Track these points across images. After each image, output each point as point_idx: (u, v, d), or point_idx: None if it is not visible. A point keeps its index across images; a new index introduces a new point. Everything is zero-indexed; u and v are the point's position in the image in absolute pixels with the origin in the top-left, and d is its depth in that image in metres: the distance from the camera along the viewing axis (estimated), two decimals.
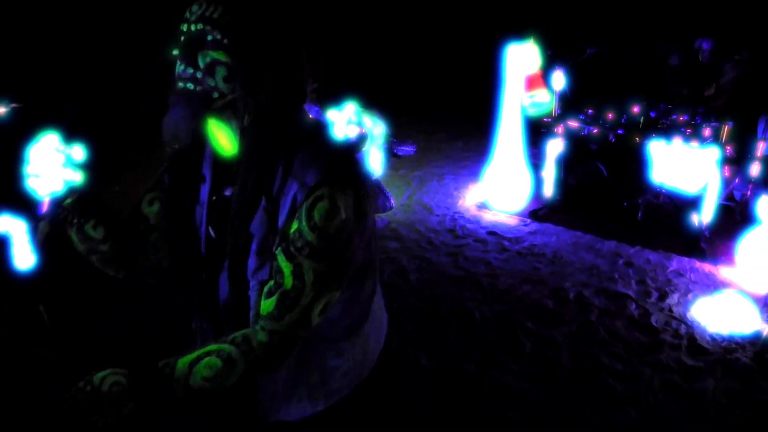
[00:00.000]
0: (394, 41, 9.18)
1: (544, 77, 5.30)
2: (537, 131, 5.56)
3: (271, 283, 1.42)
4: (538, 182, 5.56)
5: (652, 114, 5.08)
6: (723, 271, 4.56)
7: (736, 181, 5.30)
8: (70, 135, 1.48)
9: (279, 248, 1.42)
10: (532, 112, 5.42)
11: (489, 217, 5.48)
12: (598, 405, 3.26)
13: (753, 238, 4.45)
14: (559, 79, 5.27)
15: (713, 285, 4.39)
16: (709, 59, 5.47)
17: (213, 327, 1.60)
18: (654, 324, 3.95)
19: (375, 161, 5.52)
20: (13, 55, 8.77)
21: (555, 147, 5.40)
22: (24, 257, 1.45)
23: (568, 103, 5.40)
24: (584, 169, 5.55)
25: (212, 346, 1.40)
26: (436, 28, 9.24)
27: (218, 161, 1.50)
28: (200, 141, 1.44)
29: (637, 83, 5.55)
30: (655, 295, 4.28)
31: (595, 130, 5.44)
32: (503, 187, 5.53)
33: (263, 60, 1.39)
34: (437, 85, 8.69)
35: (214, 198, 1.53)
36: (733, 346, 3.71)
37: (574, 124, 5.43)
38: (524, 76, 5.28)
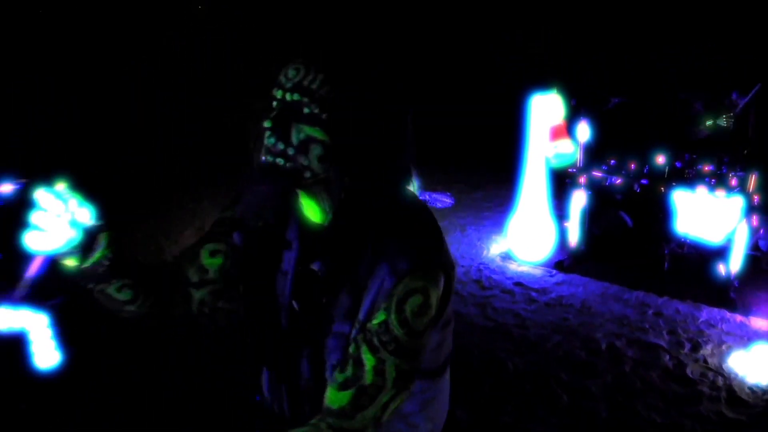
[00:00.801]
0: (417, 92, 9.34)
1: (568, 128, 5.40)
2: (561, 182, 5.64)
3: (348, 374, 1.30)
4: (563, 233, 5.62)
5: (677, 164, 5.17)
6: (755, 322, 4.57)
7: (761, 231, 5.36)
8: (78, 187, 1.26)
9: (361, 337, 1.31)
10: (556, 162, 5.51)
11: (514, 268, 5.51)
12: None
13: None
14: (583, 130, 5.38)
15: (747, 336, 4.40)
16: (740, 112, 5.54)
17: (290, 403, 1.53)
18: (690, 375, 3.95)
19: None
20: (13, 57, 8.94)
21: (579, 198, 5.48)
22: (45, 355, 1.28)
23: (593, 154, 5.49)
24: (608, 220, 5.63)
25: None
26: (459, 77, 9.41)
27: (306, 231, 1.42)
28: (286, 212, 1.40)
29: (661, 133, 5.65)
30: (687, 346, 4.28)
31: (619, 181, 5.52)
32: (528, 238, 5.58)
33: (365, 138, 1.30)
34: (454, 136, 8.84)
35: (300, 269, 1.44)
36: None
37: (597, 174, 5.53)
38: (548, 127, 5.39)
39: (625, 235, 5.46)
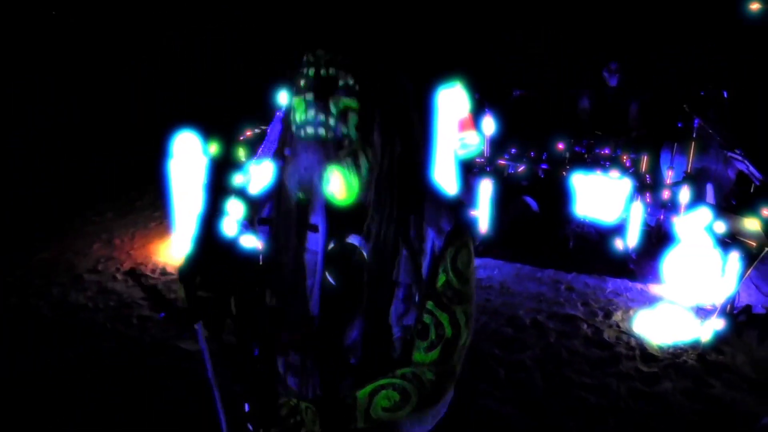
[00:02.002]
0: None
1: (473, 120, 5.82)
2: (469, 172, 6.05)
3: (433, 337, 1.52)
4: (473, 221, 6.04)
5: (577, 149, 5.72)
6: (654, 288, 5.18)
7: (649, 207, 6.02)
8: None
9: (431, 302, 1.51)
10: (463, 153, 5.91)
11: None
12: (578, 417, 3.67)
13: (675, 256, 5.09)
14: (488, 122, 5.82)
15: (648, 301, 4.99)
16: (616, 86, 6.14)
17: (322, 369, 1.64)
18: (607, 339, 4.45)
19: None
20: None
21: (486, 186, 5.91)
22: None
23: (498, 144, 5.95)
24: (515, 205, 6.11)
25: (385, 380, 1.51)
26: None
27: (332, 210, 1.52)
28: (313, 193, 1.47)
29: (562, 122, 6.20)
30: (600, 314, 4.81)
31: (522, 167, 6.01)
32: None
33: (397, 107, 1.44)
34: None
35: (331, 246, 1.55)
36: (679, 351, 4.27)
37: (502, 162, 5.99)
38: (455, 119, 5.78)
39: (532, 219, 5.96)
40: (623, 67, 6.06)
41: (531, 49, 7.15)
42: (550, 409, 3.74)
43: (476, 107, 5.84)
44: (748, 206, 4.51)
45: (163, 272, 5.42)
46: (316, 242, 1.55)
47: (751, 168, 4.52)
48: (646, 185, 5.69)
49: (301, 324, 1.60)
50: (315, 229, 1.55)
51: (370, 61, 1.43)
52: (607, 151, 5.65)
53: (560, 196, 5.78)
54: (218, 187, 1.38)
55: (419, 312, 1.53)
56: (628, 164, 5.60)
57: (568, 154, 5.81)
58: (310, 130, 1.41)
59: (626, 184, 5.54)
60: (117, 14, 9.63)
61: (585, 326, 4.64)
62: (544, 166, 5.91)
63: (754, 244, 4.37)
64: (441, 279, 1.51)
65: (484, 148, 5.92)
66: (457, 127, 5.80)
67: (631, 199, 5.53)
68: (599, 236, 5.78)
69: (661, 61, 6.93)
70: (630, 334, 4.51)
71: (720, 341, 4.33)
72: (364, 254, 1.51)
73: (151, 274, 5.40)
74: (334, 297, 1.56)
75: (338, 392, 1.56)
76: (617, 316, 4.78)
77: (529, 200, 6.06)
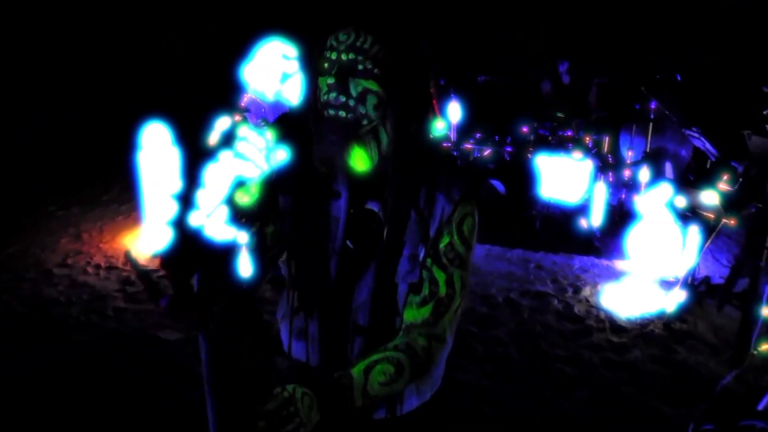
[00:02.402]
0: None
1: (439, 106, 5.96)
2: None
3: (425, 292, 1.60)
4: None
5: (541, 132, 5.90)
6: (619, 263, 5.41)
7: (611, 186, 6.25)
8: None
9: (431, 260, 1.60)
10: None
11: None
12: (555, 387, 3.83)
13: (638, 232, 5.31)
14: (454, 108, 5.96)
15: (614, 276, 5.21)
16: (569, 81, 6.39)
17: (331, 332, 1.71)
18: (578, 313, 4.65)
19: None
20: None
21: None
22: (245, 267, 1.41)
23: (463, 129, 6.10)
24: (481, 189, 6.27)
25: (378, 354, 1.55)
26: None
27: (353, 179, 1.63)
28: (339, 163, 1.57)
29: (525, 106, 6.38)
30: (570, 290, 5.01)
31: (488, 151, 6.18)
32: None
33: (410, 89, 1.56)
34: None
35: (351, 212, 1.65)
36: (646, 322, 4.49)
37: (468, 146, 6.14)
38: None
39: (499, 201, 6.13)
40: (573, 66, 6.29)
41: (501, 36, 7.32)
42: (527, 380, 3.90)
43: (442, 93, 5.98)
44: (706, 181, 4.75)
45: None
46: (338, 209, 1.65)
47: (707, 145, 4.75)
48: (608, 165, 5.91)
49: (320, 287, 1.67)
50: (338, 195, 1.65)
51: (387, 45, 1.53)
52: (569, 133, 5.85)
53: (525, 178, 5.96)
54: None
55: (420, 268, 1.62)
56: (590, 145, 5.80)
57: (532, 137, 5.99)
58: (332, 110, 1.51)
59: (589, 164, 5.75)
60: (117, 14, 9.54)
61: (556, 302, 4.83)
62: (508, 149, 6.08)
63: (712, 216, 4.60)
64: (445, 239, 1.61)
65: (450, 133, 6.06)
66: None
67: (594, 179, 5.74)
68: (564, 216, 5.97)
69: (619, 48, 7.17)
70: (599, 308, 4.72)
71: (683, 311, 4.56)
72: (382, 219, 1.61)
73: (123, 266, 5.40)
74: (350, 260, 1.66)
75: (346, 355, 1.66)
76: (586, 291, 4.98)
77: (496, 183, 6.22)
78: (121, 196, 7.07)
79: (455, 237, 1.60)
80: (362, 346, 1.67)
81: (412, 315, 1.62)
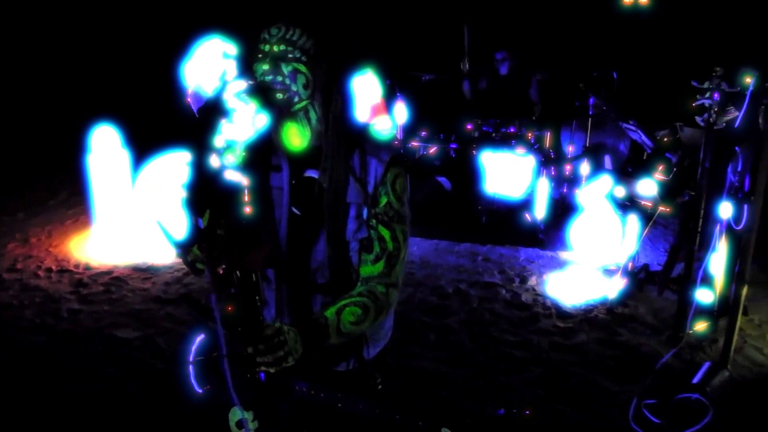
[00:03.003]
0: None
1: (385, 105, 6.08)
2: None
3: (377, 249, 1.84)
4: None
5: (485, 129, 6.08)
6: (562, 254, 5.62)
7: (553, 180, 6.48)
8: None
9: (374, 221, 1.84)
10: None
11: None
12: (506, 370, 3.99)
13: (579, 224, 5.54)
14: (400, 107, 6.09)
15: (559, 266, 5.42)
16: (507, 73, 6.54)
17: (295, 293, 1.92)
18: (525, 301, 4.82)
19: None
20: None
21: None
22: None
23: (409, 127, 6.24)
24: (428, 185, 6.43)
25: (346, 300, 1.78)
26: None
27: (290, 154, 1.83)
28: (273, 143, 1.81)
29: (469, 103, 6.55)
30: (517, 280, 5.18)
31: (433, 149, 6.33)
32: None
33: (333, 72, 1.77)
34: None
35: (293, 182, 1.85)
36: (590, 308, 4.69)
37: (414, 144, 6.28)
38: (368, 106, 6.02)
39: (445, 197, 6.29)
40: (511, 56, 6.47)
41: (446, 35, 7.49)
42: (479, 364, 4.04)
43: (388, 93, 6.10)
44: (643, 172, 4.99)
45: (87, 267, 5.38)
46: (280, 180, 1.85)
47: (643, 137, 5.00)
48: (550, 160, 6.12)
49: (270, 244, 1.85)
50: (278, 169, 1.86)
51: (313, 36, 1.76)
52: (512, 130, 6.04)
53: (471, 174, 6.13)
54: (210, 127, 1.61)
55: (367, 228, 1.85)
56: (532, 141, 6.01)
57: (476, 134, 6.17)
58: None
59: (531, 160, 5.96)
60: (58, 12, 9.41)
61: (504, 291, 5.00)
62: (454, 146, 6.25)
63: (650, 205, 4.84)
64: (383, 200, 1.83)
65: (397, 132, 6.19)
66: (369, 114, 6.04)
67: (537, 173, 5.95)
68: (509, 210, 6.16)
69: (558, 46, 7.43)
70: (545, 296, 4.90)
71: (624, 296, 4.79)
72: (322, 186, 1.82)
73: (75, 269, 5.35)
74: (300, 226, 1.86)
75: (311, 313, 1.85)
76: (532, 281, 5.17)
77: (442, 180, 6.38)
78: (68, 200, 6.98)
79: (391, 197, 1.83)
80: (323, 303, 1.88)
81: (369, 270, 1.87)
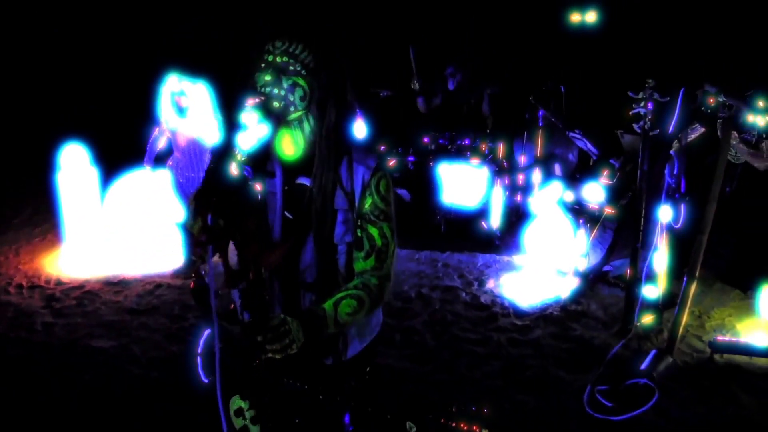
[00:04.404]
0: None
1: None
2: None
3: (367, 247, 1.98)
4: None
5: (441, 141, 6.37)
6: (518, 258, 5.91)
7: (507, 189, 6.78)
8: None
9: (362, 221, 1.97)
10: None
11: None
12: (468, 364, 4.22)
13: (533, 229, 5.83)
14: (359, 123, 6.33)
15: (514, 269, 5.70)
16: (454, 88, 6.84)
17: (285, 290, 2.06)
18: (484, 303, 5.08)
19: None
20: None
21: None
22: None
23: (369, 142, 6.47)
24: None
25: (342, 293, 1.92)
26: None
27: (284, 163, 1.97)
28: (269, 152, 1.95)
29: (424, 118, 6.84)
30: (475, 284, 5.45)
31: (392, 162, 6.59)
32: None
33: (328, 87, 1.92)
34: None
35: (286, 188, 1.98)
36: (545, 307, 4.97)
37: None
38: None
39: (405, 208, 6.53)
40: (459, 71, 6.79)
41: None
42: (442, 360, 4.27)
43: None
44: (590, 177, 5.32)
45: (59, 282, 5.45)
46: (274, 185, 2.00)
47: (589, 145, 5.33)
48: (504, 170, 6.43)
49: (287, 244, 1.99)
50: (272, 175, 2.00)
51: (314, 52, 1.91)
52: (467, 142, 6.34)
53: (429, 185, 6.40)
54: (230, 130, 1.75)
55: (354, 229, 2.01)
56: (486, 152, 6.31)
57: (433, 147, 6.44)
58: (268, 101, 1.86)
59: (486, 170, 6.25)
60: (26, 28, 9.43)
61: (463, 294, 5.25)
62: (411, 159, 6.51)
63: (596, 208, 5.17)
64: (368, 201, 1.98)
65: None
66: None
67: (492, 183, 6.24)
68: (467, 219, 6.44)
69: (506, 63, 7.78)
70: (502, 298, 5.17)
71: (577, 295, 5.09)
72: (313, 191, 1.96)
73: (46, 284, 5.43)
74: (291, 228, 2.00)
75: (299, 308, 1.99)
76: (490, 283, 5.44)
77: (401, 191, 6.62)
78: (33, 218, 7.02)
79: (376, 197, 1.98)
80: (311, 300, 2.03)
81: (361, 266, 2.00)
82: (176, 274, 5.51)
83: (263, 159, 1.97)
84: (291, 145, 1.96)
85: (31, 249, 6.26)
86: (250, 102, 1.81)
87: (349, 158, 1.99)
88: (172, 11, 9.36)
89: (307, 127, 1.94)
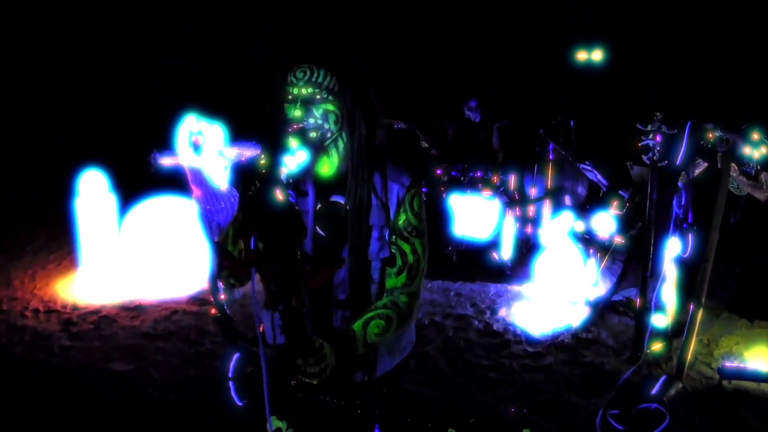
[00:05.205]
0: None
1: None
2: None
3: (399, 263, 2.07)
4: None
5: (453, 173, 6.65)
6: (527, 289, 6.14)
7: (519, 220, 7.04)
8: None
9: (395, 237, 2.07)
10: None
11: None
12: (482, 389, 4.42)
13: (544, 260, 6.07)
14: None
15: (526, 298, 5.92)
16: (478, 120, 7.16)
17: (317, 307, 2.09)
18: (497, 330, 5.29)
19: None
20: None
21: None
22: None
23: None
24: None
25: (371, 313, 2.02)
26: None
27: (318, 181, 2.08)
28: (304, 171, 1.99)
29: (438, 149, 7.12)
30: (488, 312, 5.67)
31: None
32: None
33: (356, 105, 2.02)
34: None
35: (319, 206, 2.09)
36: (557, 334, 5.19)
37: None
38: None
39: None
40: (481, 104, 7.11)
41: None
42: (457, 385, 4.48)
43: None
44: (599, 207, 5.59)
45: (75, 307, 5.68)
46: (306, 204, 2.10)
47: (599, 176, 5.60)
48: (515, 202, 6.69)
49: (336, 266, 2.05)
50: (305, 194, 2.11)
51: (336, 74, 2.02)
52: (479, 174, 6.61)
53: (441, 216, 6.66)
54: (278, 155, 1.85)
55: (390, 245, 2.10)
56: (498, 185, 6.58)
57: (445, 178, 6.72)
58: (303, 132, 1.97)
59: (497, 202, 6.51)
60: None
61: (476, 322, 5.47)
62: (424, 191, 6.77)
63: (606, 237, 5.42)
64: (402, 217, 2.09)
65: None
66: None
67: (503, 214, 6.50)
68: (478, 249, 6.69)
69: (517, 96, 8.13)
70: (515, 326, 5.38)
71: (588, 323, 5.31)
72: (348, 207, 2.06)
73: (62, 309, 5.65)
74: (324, 246, 2.11)
75: (331, 325, 2.10)
76: (502, 312, 5.66)
77: None
78: (47, 245, 7.28)
79: (409, 214, 2.09)
80: (343, 317, 2.12)
81: (393, 282, 2.11)
82: (192, 300, 5.74)
83: (299, 180, 2.07)
84: (326, 165, 2.06)
85: (47, 274, 6.50)
86: (290, 130, 1.92)
87: (383, 174, 2.08)
88: (172, 11, 9.64)
89: (341, 144, 2.03)
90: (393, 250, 2.10)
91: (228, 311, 2.01)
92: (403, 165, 2.14)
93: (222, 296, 1.98)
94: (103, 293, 5.90)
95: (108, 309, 5.63)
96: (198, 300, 5.72)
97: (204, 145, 1.96)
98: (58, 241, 7.11)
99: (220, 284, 1.97)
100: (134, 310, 5.63)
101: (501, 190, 6.54)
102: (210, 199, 1.97)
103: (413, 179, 2.11)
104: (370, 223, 2.07)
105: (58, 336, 5.17)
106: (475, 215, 6.58)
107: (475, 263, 6.63)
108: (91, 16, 9.85)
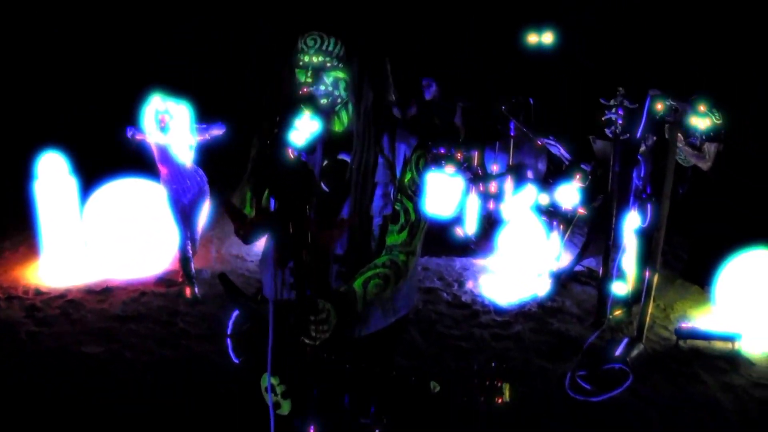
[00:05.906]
0: None
1: None
2: None
3: (402, 220, 2.19)
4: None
5: None
6: (491, 261, 6.44)
7: (482, 195, 7.32)
8: None
9: (401, 195, 2.19)
10: None
11: None
12: (456, 357, 4.69)
13: (507, 233, 6.36)
14: None
15: (492, 271, 6.23)
16: (430, 98, 7.40)
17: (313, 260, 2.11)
18: (465, 302, 5.58)
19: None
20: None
21: None
22: None
23: None
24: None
25: (370, 272, 2.13)
26: None
27: (326, 138, 2.10)
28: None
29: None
30: (455, 285, 5.95)
31: None
32: None
33: (364, 71, 2.14)
34: None
35: (325, 163, 2.17)
36: (523, 304, 5.50)
37: None
38: None
39: None
40: (436, 82, 7.36)
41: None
42: (431, 354, 4.74)
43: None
44: (562, 181, 5.90)
45: (38, 292, 5.70)
46: (313, 160, 2.14)
47: (562, 150, 5.90)
48: (478, 178, 6.97)
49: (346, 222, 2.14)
50: (313, 150, 2.10)
51: (345, 43, 2.13)
52: (442, 151, 6.86)
53: None
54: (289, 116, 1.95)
55: (393, 203, 2.23)
56: (461, 161, 6.84)
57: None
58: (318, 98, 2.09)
59: (460, 179, 6.76)
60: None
61: (445, 294, 5.74)
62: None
63: (569, 209, 5.74)
64: (407, 176, 2.21)
65: None
66: None
67: (467, 190, 6.76)
68: (443, 225, 6.93)
69: (477, 75, 8.41)
70: (482, 297, 5.68)
71: (552, 293, 5.64)
72: (352, 167, 2.17)
73: (24, 295, 5.67)
74: (326, 201, 2.21)
75: (327, 279, 2.20)
76: (469, 284, 5.96)
77: None
78: (5, 230, 7.21)
79: (414, 173, 2.22)
80: (339, 271, 2.23)
81: (394, 239, 2.24)
82: (160, 281, 5.85)
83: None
84: (336, 124, 2.17)
85: (4, 261, 6.49)
86: (300, 98, 2.01)
87: (390, 135, 2.20)
88: (172, 11, 9.62)
89: (351, 107, 2.15)
90: (397, 207, 2.22)
91: (197, 289, 2.14)
92: (410, 128, 2.26)
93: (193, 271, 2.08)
94: (67, 277, 5.93)
95: (74, 293, 5.68)
96: (166, 281, 5.83)
97: (171, 123, 2.10)
98: (16, 226, 7.04)
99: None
100: (101, 293, 5.69)
101: (464, 167, 6.80)
102: (176, 177, 2.13)
103: (420, 141, 2.24)
104: (375, 180, 2.18)
105: (23, 322, 5.17)
106: (439, 191, 6.81)
107: (441, 238, 6.88)
108: (91, 16, 9.76)
